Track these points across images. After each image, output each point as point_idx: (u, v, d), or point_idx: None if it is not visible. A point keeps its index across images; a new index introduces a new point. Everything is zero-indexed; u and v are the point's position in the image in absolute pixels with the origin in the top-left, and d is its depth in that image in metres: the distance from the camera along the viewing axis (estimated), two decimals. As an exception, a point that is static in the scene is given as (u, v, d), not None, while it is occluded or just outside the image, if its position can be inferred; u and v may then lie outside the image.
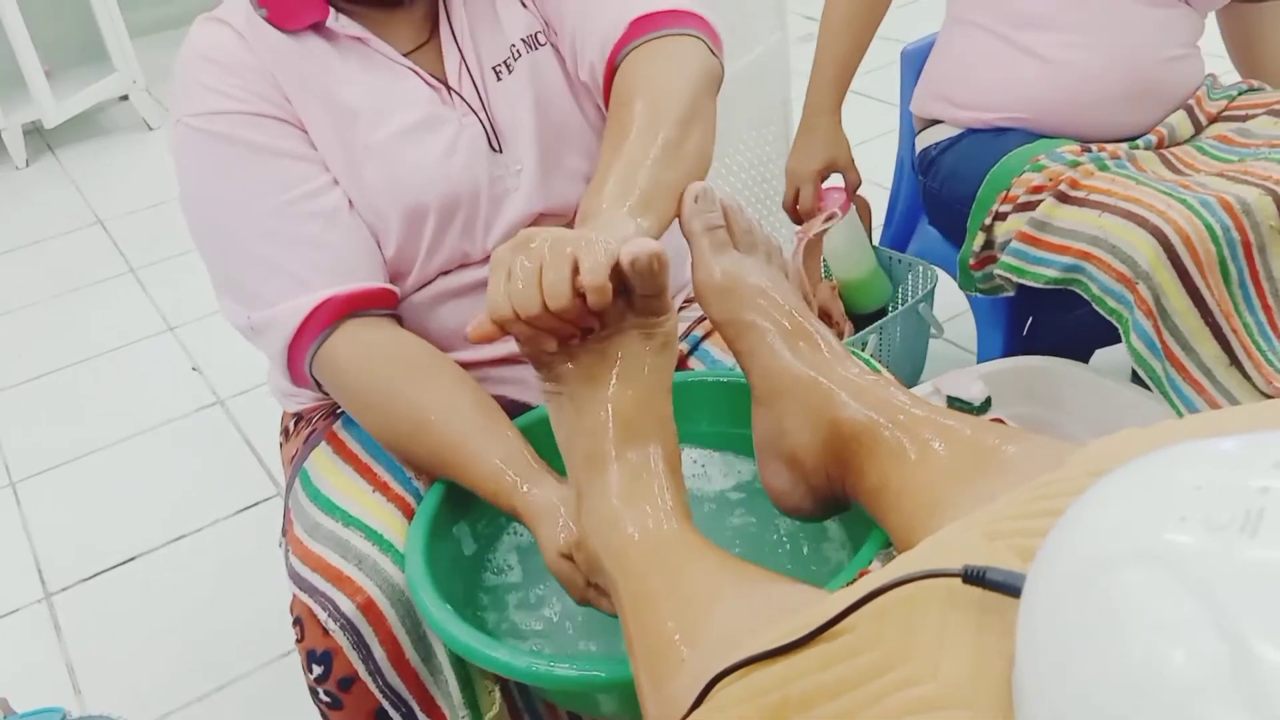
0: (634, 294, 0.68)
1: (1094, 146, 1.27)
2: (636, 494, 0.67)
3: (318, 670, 0.76)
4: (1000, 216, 1.26)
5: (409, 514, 0.81)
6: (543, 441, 0.78)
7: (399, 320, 0.89)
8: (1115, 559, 0.35)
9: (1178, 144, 1.32)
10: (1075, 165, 1.22)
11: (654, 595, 0.61)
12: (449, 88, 0.90)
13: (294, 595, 0.78)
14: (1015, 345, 1.49)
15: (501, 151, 0.92)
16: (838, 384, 0.70)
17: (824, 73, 1.44)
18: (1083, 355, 1.52)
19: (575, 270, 0.64)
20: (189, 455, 1.84)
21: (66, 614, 1.54)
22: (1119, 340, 1.23)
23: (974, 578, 0.44)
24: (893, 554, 0.68)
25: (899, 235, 1.70)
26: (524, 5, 0.93)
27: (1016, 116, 1.34)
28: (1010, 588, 0.42)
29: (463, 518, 0.83)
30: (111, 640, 1.49)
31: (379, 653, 0.77)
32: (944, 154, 1.41)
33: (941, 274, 1.59)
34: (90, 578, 1.60)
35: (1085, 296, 1.18)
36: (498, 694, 0.78)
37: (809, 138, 1.45)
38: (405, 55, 0.91)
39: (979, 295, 1.37)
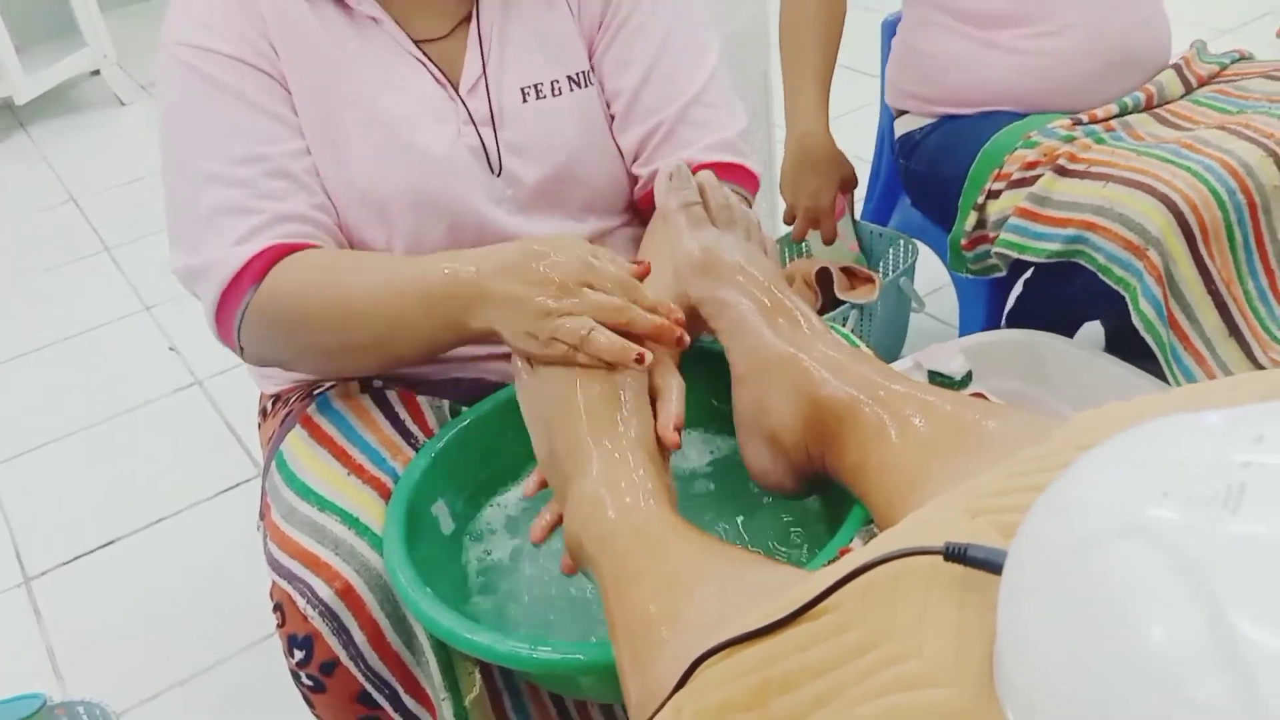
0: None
1: (1084, 117, 1.26)
2: (617, 477, 0.68)
3: (299, 655, 0.76)
4: (993, 195, 1.26)
5: (386, 496, 0.80)
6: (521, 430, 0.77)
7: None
8: (1098, 535, 0.35)
9: (1168, 102, 1.32)
10: (1070, 140, 1.21)
11: (636, 577, 0.61)
12: (457, 91, 0.89)
13: (273, 581, 0.77)
14: (997, 319, 1.49)
15: (499, 174, 0.90)
16: (818, 361, 0.70)
17: (804, 91, 1.38)
18: (1069, 330, 1.52)
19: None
20: (168, 437, 1.82)
21: (46, 598, 1.53)
22: (1101, 315, 1.23)
23: (955, 555, 0.43)
24: (874, 531, 0.68)
25: (880, 209, 1.69)
26: (583, 43, 0.92)
27: (996, 107, 1.33)
28: (992, 564, 0.42)
29: (441, 496, 0.82)
30: (92, 624, 1.48)
31: (359, 637, 0.76)
32: (928, 137, 1.40)
33: (922, 248, 1.59)
34: (70, 561, 1.58)
35: (1090, 267, 1.17)
36: (477, 676, 0.77)
37: (814, 175, 1.40)
38: (421, 43, 0.88)
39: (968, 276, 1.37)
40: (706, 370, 0.82)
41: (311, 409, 0.90)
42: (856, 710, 0.41)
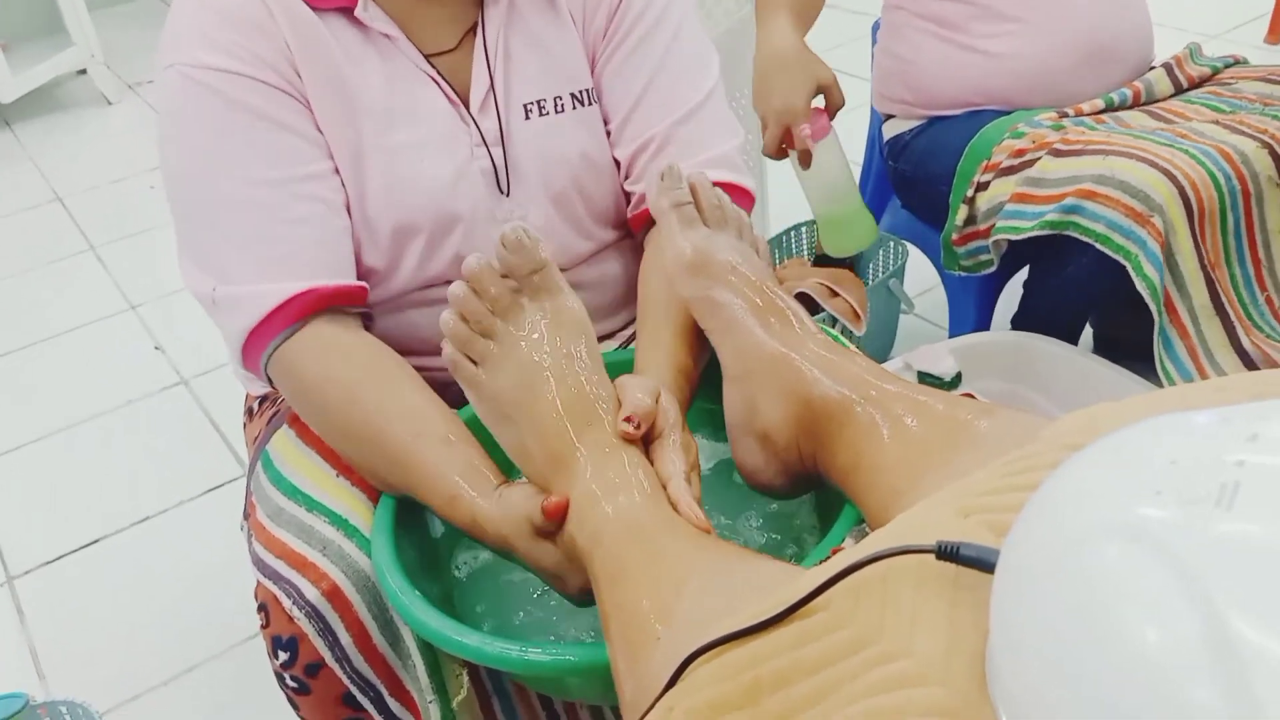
0: (519, 275, 0.71)
1: (1070, 111, 1.27)
2: (608, 473, 0.67)
3: (283, 656, 0.75)
4: (982, 187, 1.26)
5: (374, 497, 0.80)
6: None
7: (368, 320, 0.86)
8: (1090, 534, 0.35)
9: (1156, 100, 1.32)
10: (1059, 129, 1.21)
11: (629, 573, 0.60)
12: (468, 108, 0.87)
13: (258, 581, 0.77)
14: (986, 320, 1.49)
15: (508, 195, 0.89)
16: (810, 360, 0.69)
17: (776, 18, 1.24)
18: (1072, 337, 1.45)
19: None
20: (153, 436, 1.81)
21: (29, 598, 1.51)
22: (1092, 303, 1.21)
23: (947, 554, 0.43)
24: (865, 531, 0.68)
25: (871, 211, 1.69)
26: (585, 56, 0.91)
27: (980, 106, 1.33)
28: (984, 563, 0.42)
29: (430, 498, 0.81)
30: (75, 624, 1.46)
31: (345, 639, 0.76)
32: (915, 139, 1.40)
33: (912, 249, 1.59)
34: (53, 561, 1.57)
35: (1085, 239, 1.14)
36: (465, 678, 0.77)
37: (782, 74, 1.23)
38: (432, 57, 0.87)
39: (960, 273, 1.37)
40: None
41: (300, 409, 0.89)
42: (848, 709, 0.40)
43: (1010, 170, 1.22)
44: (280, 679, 0.77)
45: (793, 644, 0.45)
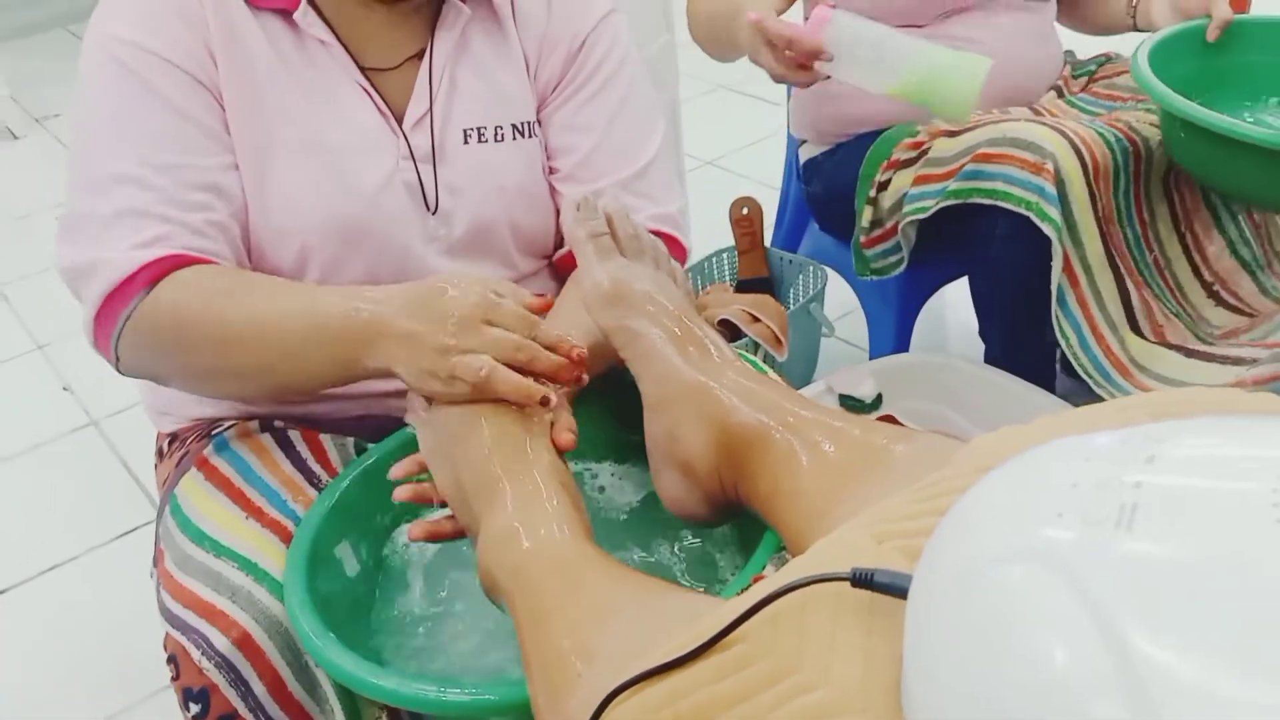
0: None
1: None
2: (529, 508, 0.67)
3: (195, 709, 0.72)
4: (883, 185, 1.28)
5: (287, 539, 0.77)
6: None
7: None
8: (995, 557, 0.35)
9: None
10: None
11: (550, 610, 0.60)
12: (400, 125, 0.88)
13: (166, 633, 0.74)
14: (905, 341, 1.52)
15: (434, 212, 0.89)
16: (728, 388, 0.70)
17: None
18: (1049, 368, 1.34)
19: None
20: (62, 479, 1.75)
21: (-71, 654, 1.44)
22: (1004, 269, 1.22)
23: (862, 580, 0.43)
24: (786, 558, 0.68)
25: (790, 237, 1.72)
26: (534, 97, 0.93)
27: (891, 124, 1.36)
28: (897, 589, 0.42)
29: (345, 538, 0.79)
30: (-21, 680, 1.40)
31: (259, 688, 0.73)
32: (827, 159, 1.43)
33: (831, 273, 1.62)
34: (-44, 613, 1.50)
35: (988, 199, 1.15)
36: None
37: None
38: (368, 71, 0.87)
39: (872, 279, 1.38)
40: (617, 400, 0.82)
41: (208, 450, 0.86)
42: (767, 742, 0.40)
43: (909, 163, 1.25)
44: (193, 732, 0.75)
45: (712, 678, 0.45)
